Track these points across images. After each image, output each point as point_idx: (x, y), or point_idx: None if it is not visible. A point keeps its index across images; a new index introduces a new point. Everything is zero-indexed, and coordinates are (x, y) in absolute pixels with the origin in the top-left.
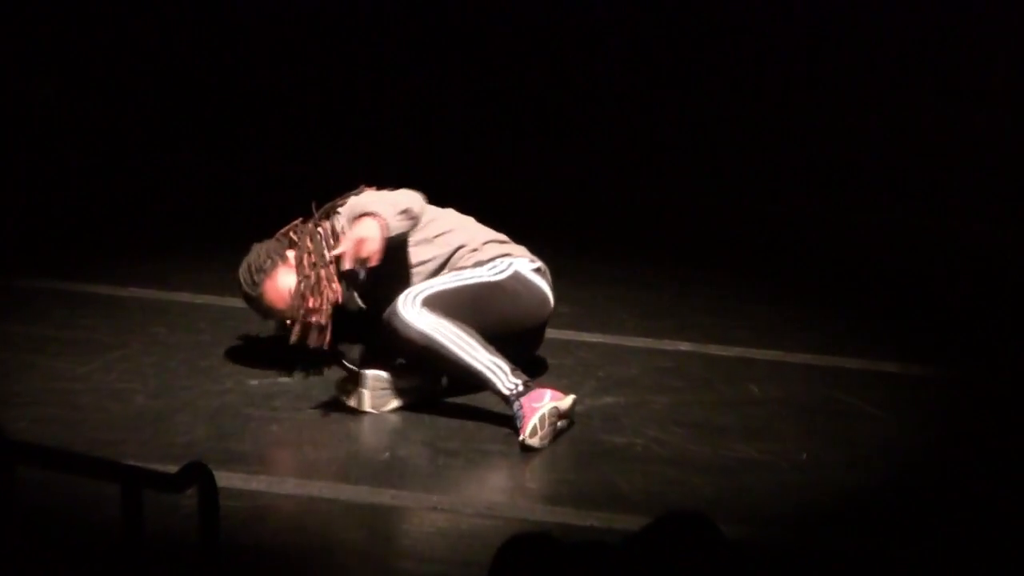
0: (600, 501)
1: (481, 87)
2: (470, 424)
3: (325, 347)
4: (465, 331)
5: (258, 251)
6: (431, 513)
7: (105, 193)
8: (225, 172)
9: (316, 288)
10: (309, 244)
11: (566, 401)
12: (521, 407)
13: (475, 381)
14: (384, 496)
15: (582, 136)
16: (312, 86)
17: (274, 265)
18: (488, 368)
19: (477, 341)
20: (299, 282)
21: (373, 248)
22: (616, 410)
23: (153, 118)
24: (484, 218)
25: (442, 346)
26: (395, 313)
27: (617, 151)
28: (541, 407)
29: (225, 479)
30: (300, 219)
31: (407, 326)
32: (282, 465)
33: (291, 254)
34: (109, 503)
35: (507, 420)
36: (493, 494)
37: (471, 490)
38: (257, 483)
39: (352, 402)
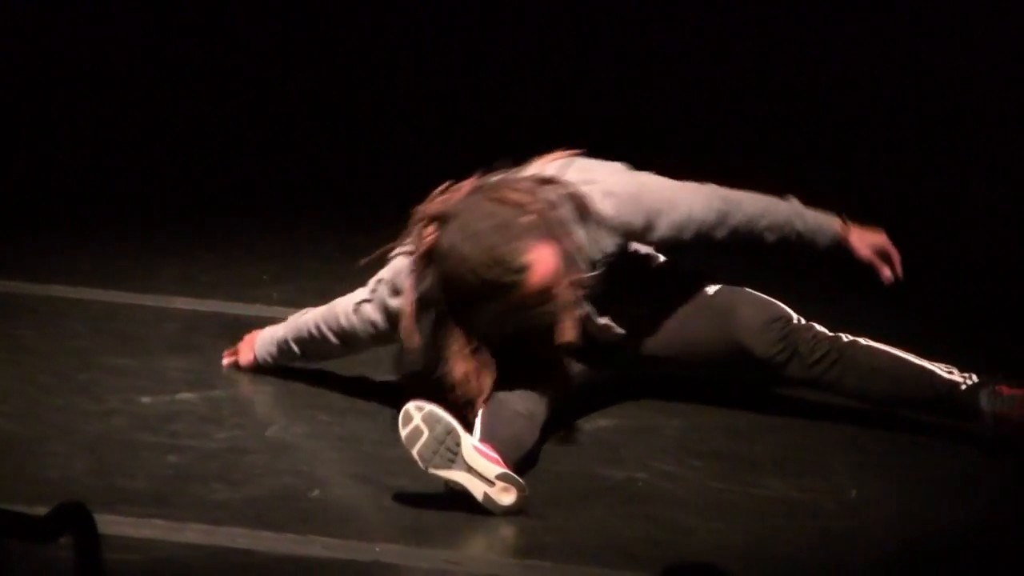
0: (593, 553)
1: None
2: None
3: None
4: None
5: (474, 225)
6: (373, 568)
7: None
8: (115, 146)
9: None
10: (551, 208)
11: None
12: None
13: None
14: (314, 546)
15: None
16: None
17: (528, 234)
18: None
19: None
20: (560, 252)
21: None
22: (614, 436)
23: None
24: None
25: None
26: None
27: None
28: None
29: (110, 525)
30: (476, 179)
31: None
32: (184, 507)
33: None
34: None
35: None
36: (454, 543)
37: (426, 538)
38: (151, 530)
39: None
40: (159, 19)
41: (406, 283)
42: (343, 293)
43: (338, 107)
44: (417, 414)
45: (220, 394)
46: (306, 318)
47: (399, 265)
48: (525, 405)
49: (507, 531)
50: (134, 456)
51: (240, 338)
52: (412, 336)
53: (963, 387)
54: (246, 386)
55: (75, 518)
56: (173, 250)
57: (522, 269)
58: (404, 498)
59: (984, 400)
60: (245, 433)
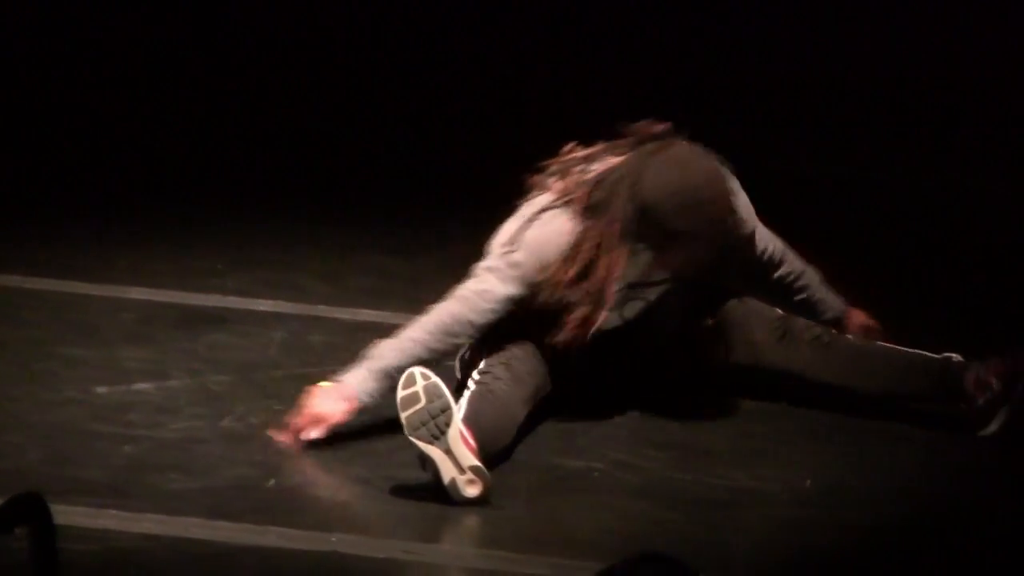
0: (551, 543)
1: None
2: (380, 444)
3: None
4: None
5: (683, 171)
6: (330, 557)
7: None
8: (67, 136)
9: None
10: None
11: None
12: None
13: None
14: (271, 536)
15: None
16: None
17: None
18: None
19: None
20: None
21: None
22: (571, 427)
23: None
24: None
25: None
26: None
27: None
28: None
29: (66, 515)
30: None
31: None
32: (140, 497)
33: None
34: None
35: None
36: (411, 533)
37: (383, 528)
38: (107, 520)
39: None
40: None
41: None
42: (297, 282)
43: (289, 95)
44: (421, 381)
45: (176, 384)
46: (415, 338)
47: (534, 240)
48: (514, 404)
49: (465, 521)
50: (90, 446)
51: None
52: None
53: (955, 360)
54: (202, 376)
55: (31, 509)
56: (127, 240)
57: (734, 211)
58: (361, 488)
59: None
60: (201, 423)
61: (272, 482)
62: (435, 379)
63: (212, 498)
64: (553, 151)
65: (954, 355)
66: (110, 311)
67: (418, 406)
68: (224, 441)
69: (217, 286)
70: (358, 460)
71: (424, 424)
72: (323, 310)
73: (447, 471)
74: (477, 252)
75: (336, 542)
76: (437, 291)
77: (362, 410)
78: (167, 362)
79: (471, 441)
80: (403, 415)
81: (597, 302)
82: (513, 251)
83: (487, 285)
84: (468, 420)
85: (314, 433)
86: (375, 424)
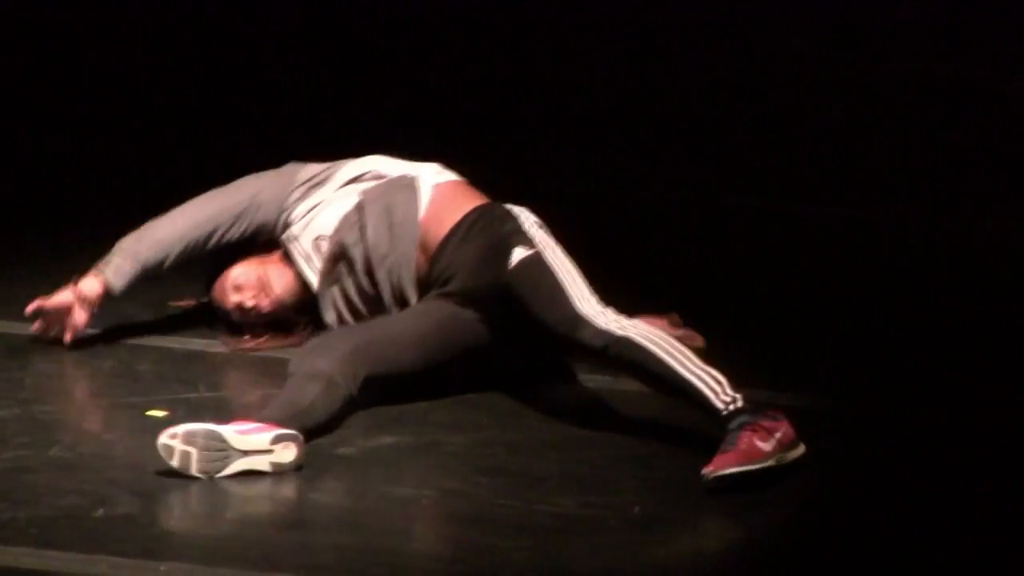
0: (377, 570)
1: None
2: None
3: None
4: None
5: None
6: None
7: None
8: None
9: None
10: None
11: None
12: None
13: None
14: (100, 565)
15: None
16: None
17: None
18: (702, 378)
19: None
20: None
21: None
22: (396, 453)
23: None
24: None
25: (654, 358)
26: (583, 323)
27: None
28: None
29: None
30: None
31: (607, 336)
32: None
33: None
34: None
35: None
36: (242, 561)
37: (212, 556)
38: None
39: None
40: None
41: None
42: (125, 311)
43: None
44: (174, 442)
45: (5, 414)
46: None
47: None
48: (322, 364)
49: (290, 547)
50: None
51: None
52: None
53: (724, 413)
54: (30, 405)
55: None
56: None
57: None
58: (190, 515)
59: (733, 426)
60: (29, 452)
61: (101, 511)
62: (182, 428)
63: (41, 527)
64: None
65: (729, 396)
66: None
67: (194, 457)
68: (53, 470)
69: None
70: (187, 488)
71: (212, 461)
72: (152, 339)
73: (261, 464)
74: None
75: (165, 571)
76: None
77: (113, 295)
78: None
79: (253, 425)
80: (193, 473)
81: None
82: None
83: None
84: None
85: (76, 319)
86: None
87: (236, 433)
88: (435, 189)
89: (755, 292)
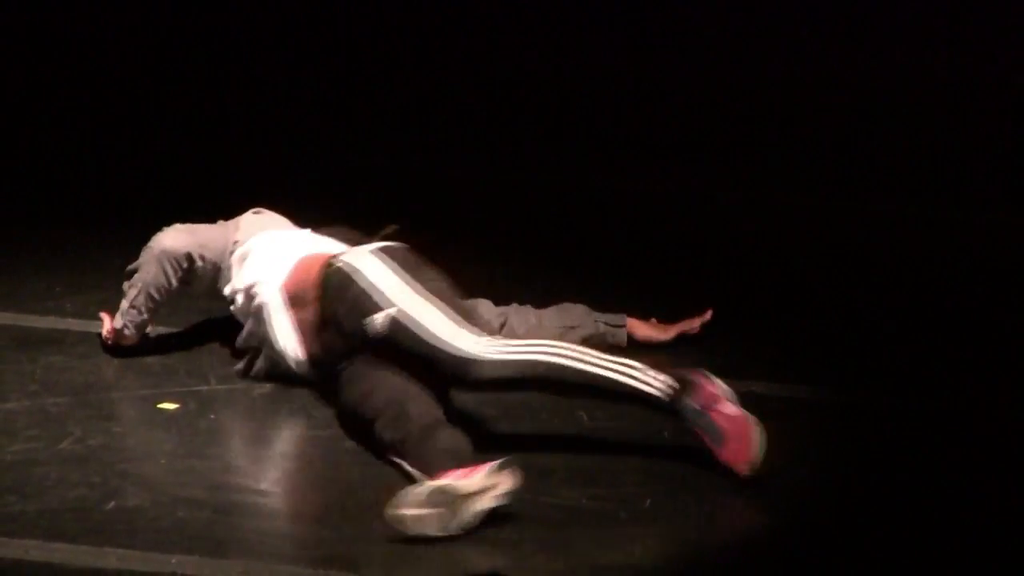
0: (388, 563)
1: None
2: (216, 466)
3: None
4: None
5: None
6: None
7: None
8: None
9: None
10: None
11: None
12: (705, 411)
13: (612, 397)
14: (109, 558)
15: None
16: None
17: None
18: (620, 372)
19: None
20: None
21: None
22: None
23: None
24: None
25: (557, 367)
26: (473, 363)
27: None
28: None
29: None
30: None
31: (500, 365)
32: None
33: None
34: None
35: (276, 460)
36: (250, 554)
37: (221, 549)
38: None
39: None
40: None
41: None
42: None
43: (134, 117)
44: (408, 512)
45: (13, 406)
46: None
47: None
48: (434, 411)
49: (303, 541)
50: None
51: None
52: None
53: (668, 400)
54: (40, 398)
55: None
56: None
57: None
58: (199, 509)
59: (688, 414)
60: (40, 445)
61: (111, 504)
62: (407, 497)
63: (50, 520)
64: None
65: (663, 384)
66: None
67: (433, 520)
68: (62, 463)
69: (55, 308)
70: (195, 482)
71: (448, 521)
72: (160, 331)
73: (487, 501)
74: None
75: (175, 564)
76: None
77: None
78: (4, 384)
79: (457, 470)
80: (439, 533)
81: None
82: None
83: None
84: (427, 461)
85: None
86: (214, 447)
87: (450, 483)
88: (281, 292)
89: (753, 285)
